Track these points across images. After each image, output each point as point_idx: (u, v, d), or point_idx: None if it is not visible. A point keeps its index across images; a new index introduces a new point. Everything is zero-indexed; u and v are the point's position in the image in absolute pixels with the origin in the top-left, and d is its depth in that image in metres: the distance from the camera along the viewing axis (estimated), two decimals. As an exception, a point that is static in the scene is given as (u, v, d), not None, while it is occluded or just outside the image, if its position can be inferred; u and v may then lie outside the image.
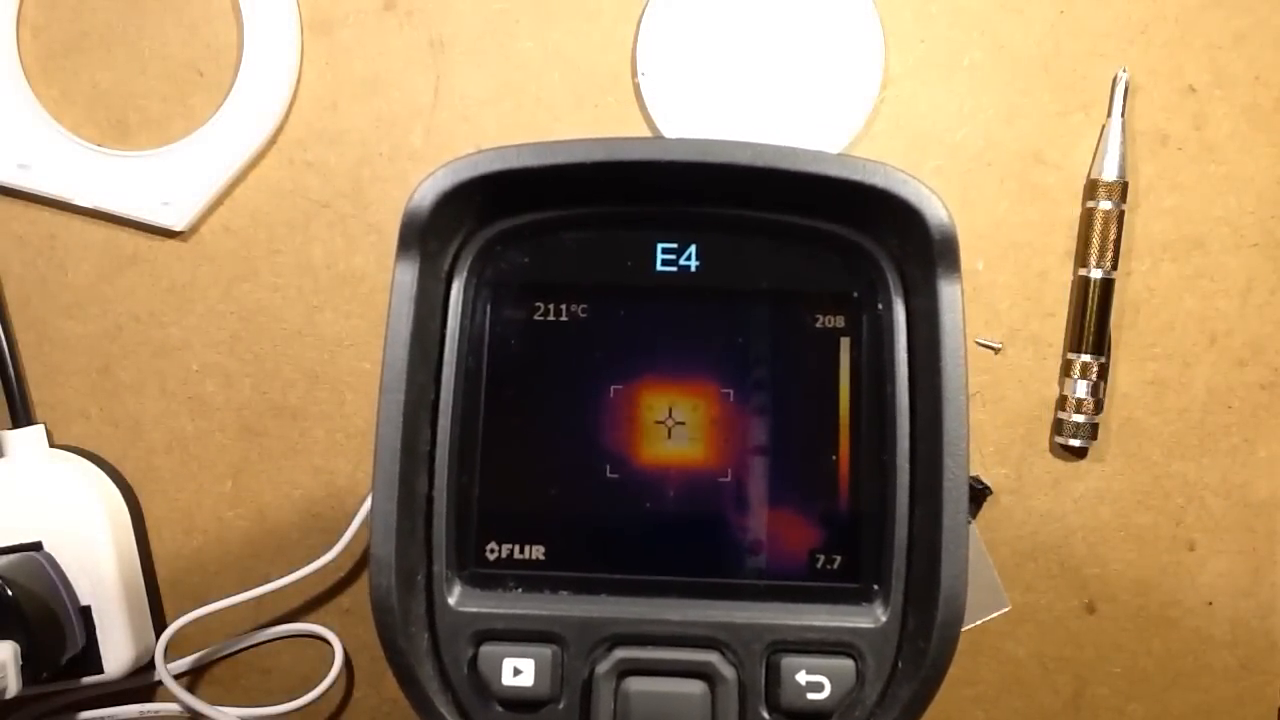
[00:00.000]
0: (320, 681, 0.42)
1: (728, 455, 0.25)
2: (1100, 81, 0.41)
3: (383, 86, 0.42)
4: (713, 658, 0.24)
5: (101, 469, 0.42)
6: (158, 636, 0.42)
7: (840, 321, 0.25)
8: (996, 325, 0.42)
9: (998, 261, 0.42)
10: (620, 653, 0.24)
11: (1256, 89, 0.41)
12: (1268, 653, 0.42)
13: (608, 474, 0.25)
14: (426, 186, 0.23)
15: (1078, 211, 0.41)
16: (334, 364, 0.43)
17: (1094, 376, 0.41)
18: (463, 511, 0.24)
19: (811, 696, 0.24)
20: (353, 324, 0.43)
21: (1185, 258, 0.41)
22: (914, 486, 0.24)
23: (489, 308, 0.25)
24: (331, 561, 0.42)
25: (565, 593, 0.24)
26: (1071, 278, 0.42)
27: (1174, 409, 0.42)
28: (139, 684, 0.43)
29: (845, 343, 0.25)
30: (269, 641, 0.44)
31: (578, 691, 0.24)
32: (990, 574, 0.42)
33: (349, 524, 0.42)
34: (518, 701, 0.23)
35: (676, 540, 0.25)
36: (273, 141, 0.42)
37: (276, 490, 0.43)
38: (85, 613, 0.40)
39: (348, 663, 0.43)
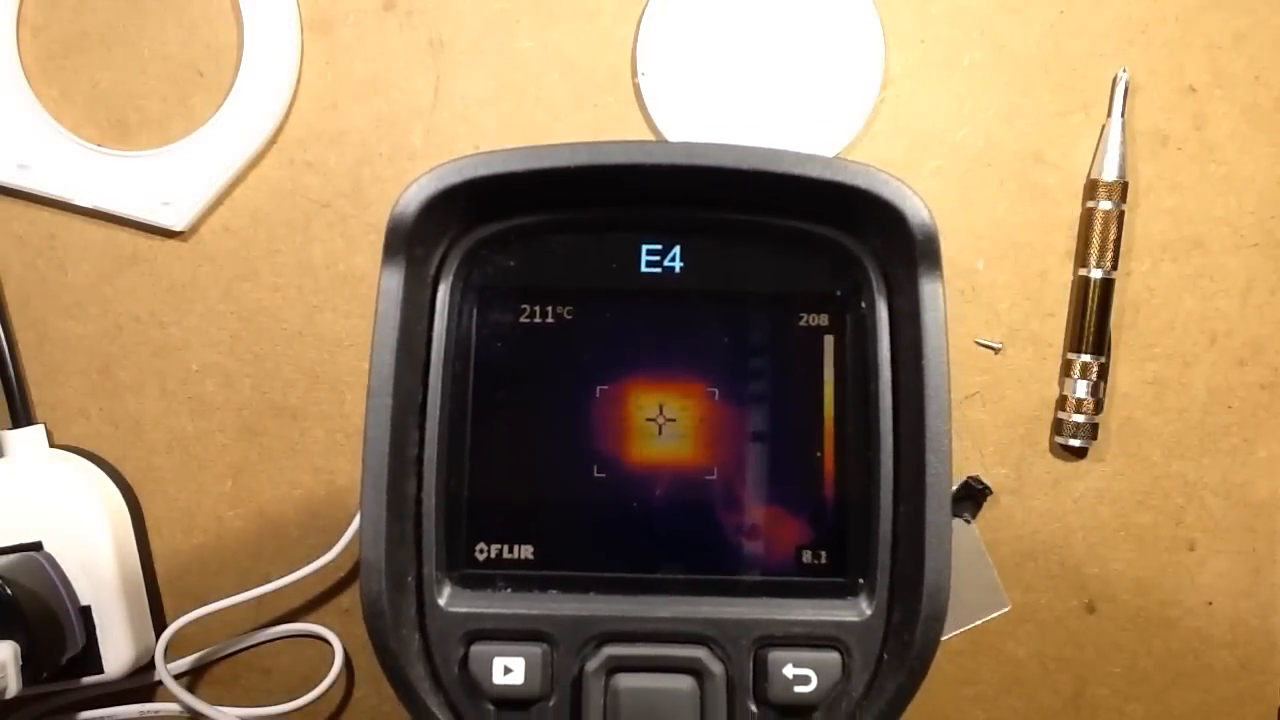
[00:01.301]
0: (320, 681, 0.42)
1: (714, 453, 0.25)
2: (1100, 81, 0.41)
3: (383, 86, 0.42)
4: (701, 654, 0.24)
5: (101, 469, 0.42)
6: (158, 636, 0.42)
7: (824, 320, 0.25)
8: (996, 325, 0.42)
9: (998, 261, 0.42)
10: (609, 650, 0.24)
11: (1256, 89, 0.41)
12: (1268, 653, 0.42)
13: (595, 473, 0.25)
14: (411, 193, 0.23)
15: (1078, 211, 0.41)
16: (334, 364, 0.43)
17: (1094, 376, 0.41)
18: (452, 513, 0.25)
19: (798, 690, 0.24)
20: (353, 324, 0.43)
21: (1185, 258, 0.41)
22: (898, 482, 0.24)
23: (475, 311, 0.25)
24: (331, 561, 0.42)
25: (554, 591, 0.25)
26: (1071, 278, 0.42)
27: (1174, 409, 0.42)
28: (139, 684, 0.43)
29: (829, 341, 0.25)
30: (269, 641, 0.44)
31: (568, 689, 0.24)
32: (990, 574, 0.42)
33: (349, 524, 0.42)
34: (509, 700, 0.24)
35: (664, 538, 0.25)
36: (273, 141, 0.42)
37: (276, 490, 0.43)
38: (85, 613, 0.40)
39: (348, 663, 0.43)
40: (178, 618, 0.42)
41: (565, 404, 0.25)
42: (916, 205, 0.23)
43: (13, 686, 0.37)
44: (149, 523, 0.43)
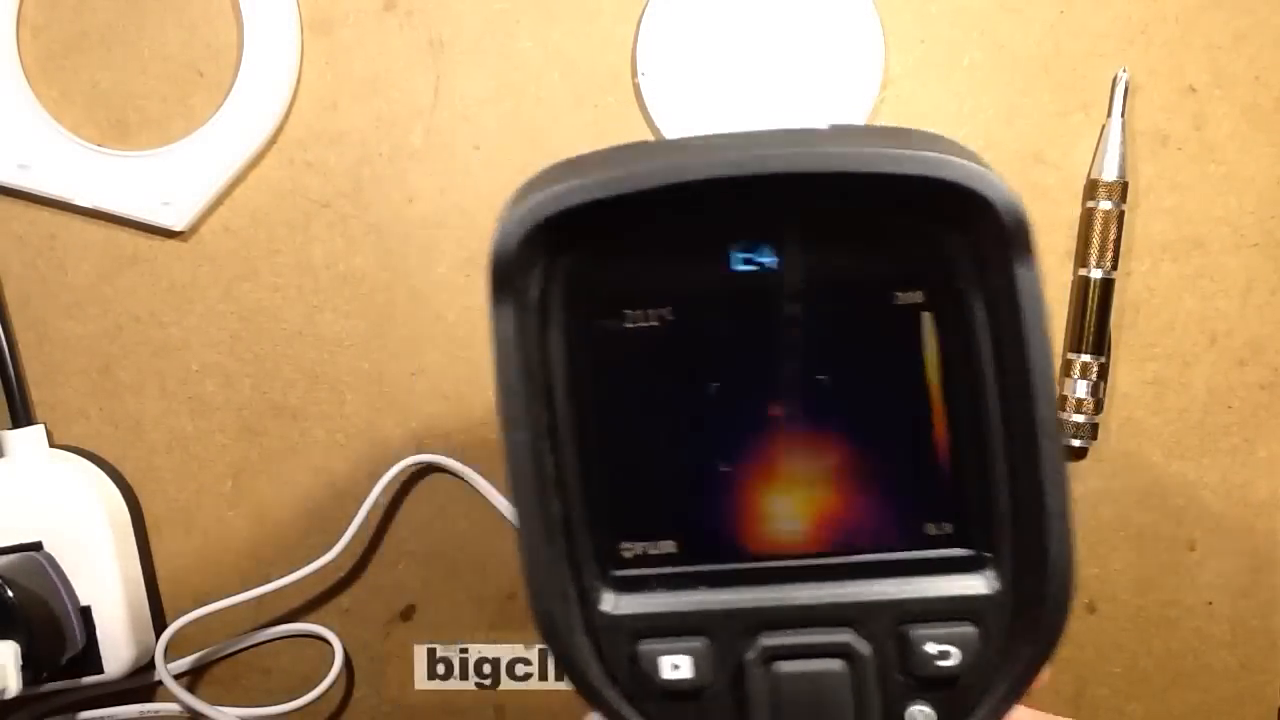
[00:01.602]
0: (320, 681, 0.42)
1: (833, 436, 0.26)
2: (1100, 81, 0.41)
3: (383, 86, 0.42)
4: (848, 636, 0.25)
5: (101, 469, 0.42)
6: (158, 636, 0.42)
7: (920, 297, 0.25)
8: (996, 325, 0.42)
9: (998, 261, 0.42)
10: (765, 640, 0.25)
11: (1256, 89, 0.41)
12: (1268, 652, 0.42)
13: (721, 468, 0.26)
14: (510, 228, 0.24)
15: (1078, 211, 0.41)
16: (334, 364, 0.43)
17: (1094, 376, 0.41)
18: (596, 524, 0.26)
19: (940, 663, 0.25)
20: (353, 324, 0.43)
21: (1185, 258, 0.41)
22: (1011, 457, 0.25)
23: (580, 326, 0.25)
24: (331, 561, 0.42)
25: (704, 588, 0.26)
26: (1071, 278, 0.42)
27: (1174, 409, 0.42)
28: (139, 684, 0.43)
29: (927, 318, 0.25)
30: (269, 641, 0.44)
31: (733, 678, 0.25)
32: (990, 574, 0.42)
33: (349, 524, 0.42)
34: (679, 692, 0.25)
35: (796, 525, 0.26)
36: (273, 141, 0.42)
37: (276, 490, 0.43)
38: (85, 613, 0.40)
39: (348, 663, 0.43)
40: (178, 618, 0.42)
41: (681, 403, 0.26)
42: (1005, 193, 0.24)
43: (13, 686, 0.37)
44: (149, 523, 0.43)
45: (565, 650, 0.25)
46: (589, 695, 0.25)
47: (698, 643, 0.25)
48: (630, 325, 0.25)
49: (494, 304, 0.24)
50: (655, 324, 0.25)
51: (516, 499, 0.24)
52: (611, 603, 0.25)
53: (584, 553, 0.25)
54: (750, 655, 0.25)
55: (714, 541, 0.26)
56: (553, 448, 0.25)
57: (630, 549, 0.26)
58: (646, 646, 0.25)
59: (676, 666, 0.25)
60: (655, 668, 0.25)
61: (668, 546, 0.26)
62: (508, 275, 0.24)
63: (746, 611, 0.25)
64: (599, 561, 0.26)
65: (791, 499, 0.26)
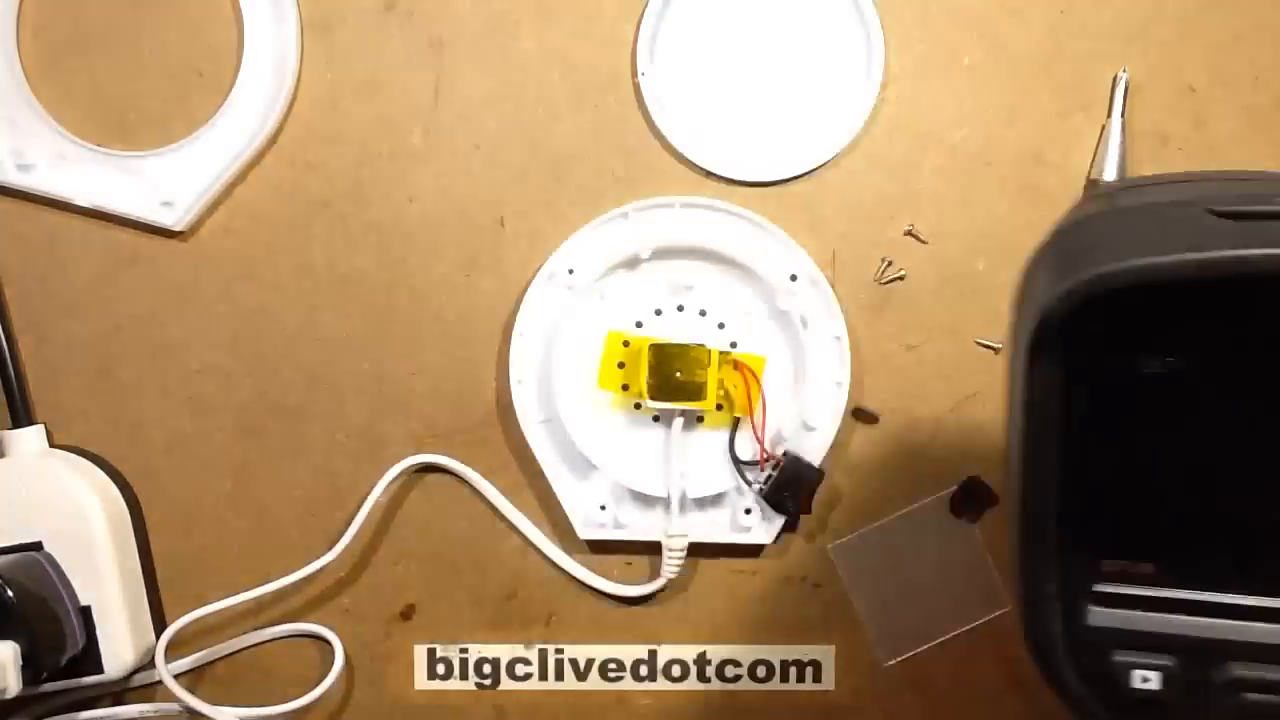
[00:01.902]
0: (320, 681, 0.42)
1: None
2: (1100, 81, 0.41)
3: (383, 86, 0.42)
4: None
5: (101, 469, 0.42)
6: (158, 636, 0.42)
7: None
8: (997, 325, 0.42)
9: (998, 261, 0.42)
10: (1235, 669, 0.26)
11: (1256, 89, 0.41)
12: (1268, 653, 0.42)
13: (1213, 508, 0.27)
14: (1065, 297, 0.25)
15: (1078, 211, 0.41)
16: (334, 364, 0.43)
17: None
18: (1086, 543, 0.27)
19: None
20: (353, 324, 0.43)
21: (1185, 258, 0.41)
22: None
23: (1098, 371, 0.26)
24: (332, 561, 0.42)
25: (1179, 612, 0.27)
26: (1072, 278, 0.42)
27: (1174, 409, 0.42)
28: (139, 684, 0.43)
29: None
30: (269, 641, 0.44)
31: (1197, 699, 0.27)
32: (990, 574, 0.42)
33: (349, 524, 0.42)
34: (1146, 703, 0.27)
35: (1275, 567, 0.27)
36: (273, 141, 0.42)
37: (276, 490, 0.43)
38: (85, 613, 0.40)
39: (348, 663, 0.43)
40: (178, 618, 0.42)
41: (1182, 448, 0.27)
42: None
43: (13, 687, 0.37)
44: (149, 523, 0.43)
45: (1047, 653, 0.27)
46: (1063, 694, 0.27)
47: (1169, 661, 0.27)
48: (1143, 371, 0.26)
49: (1031, 364, 0.25)
50: (1167, 372, 0.26)
51: (1024, 534, 0.26)
52: (1093, 615, 0.27)
53: (1071, 572, 0.27)
54: (1219, 681, 0.26)
55: (1193, 571, 0.27)
56: (1059, 478, 0.26)
57: (1112, 567, 0.27)
58: (1121, 658, 0.27)
59: (1146, 680, 0.26)
60: (1126, 677, 0.27)
61: (1147, 569, 0.27)
62: (1054, 335, 0.25)
63: (1220, 640, 0.26)
64: (1084, 576, 0.27)
65: (1276, 543, 0.27)
